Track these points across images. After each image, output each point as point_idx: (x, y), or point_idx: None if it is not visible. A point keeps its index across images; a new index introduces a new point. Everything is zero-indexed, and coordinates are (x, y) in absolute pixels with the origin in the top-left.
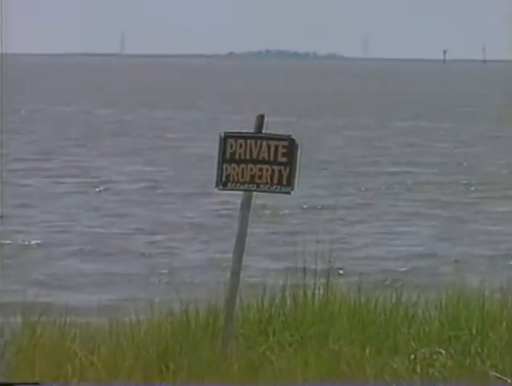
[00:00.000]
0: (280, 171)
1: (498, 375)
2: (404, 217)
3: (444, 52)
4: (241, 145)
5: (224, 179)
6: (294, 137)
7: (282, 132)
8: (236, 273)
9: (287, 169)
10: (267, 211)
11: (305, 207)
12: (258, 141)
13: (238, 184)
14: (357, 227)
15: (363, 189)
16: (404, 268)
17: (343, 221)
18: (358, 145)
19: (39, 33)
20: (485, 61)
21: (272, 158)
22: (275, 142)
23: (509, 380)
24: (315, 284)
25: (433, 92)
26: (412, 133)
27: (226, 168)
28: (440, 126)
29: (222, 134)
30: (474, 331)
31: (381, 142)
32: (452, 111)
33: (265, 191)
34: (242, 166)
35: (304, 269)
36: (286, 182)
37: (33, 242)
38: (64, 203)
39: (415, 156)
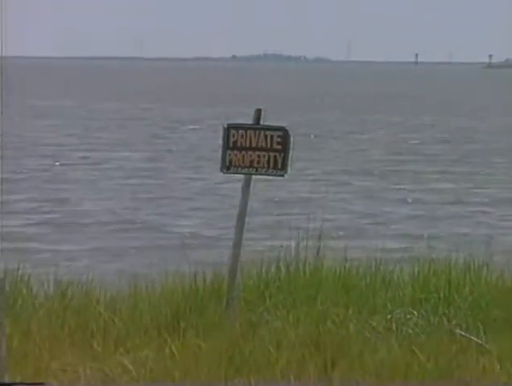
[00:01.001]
0: (275, 157)
1: (462, 333)
2: None
3: (416, 55)
4: (242, 135)
5: (227, 164)
6: (286, 127)
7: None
8: (237, 244)
9: (282, 155)
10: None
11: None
12: (257, 132)
13: (239, 168)
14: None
15: None
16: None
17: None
18: None
19: (54, 37)
20: (416, 63)
21: (269, 145)
22: (271, 132)
23: (473, 338)
24: (306, 255)
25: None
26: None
27: (229, 154)
28: None
29: (225, 125)
30: (441, 295)
31: None
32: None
33: (262, 174)
34: (243, 152)
35: (298, 244)
36: (280, 167)
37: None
38: None
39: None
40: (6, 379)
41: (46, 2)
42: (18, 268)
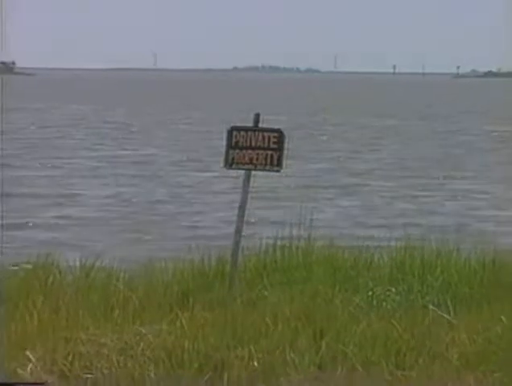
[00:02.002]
0: (272, 155)
1: (434, 308)
2: None
3: (394, 66)
4: (243, 136)
5: (230, 161)
6: (282, 129)
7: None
8: (239, 231)
9: (277, 153)
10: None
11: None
12: (256, 133)
13: (240, 165)
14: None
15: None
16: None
17: None
18: None
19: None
20: (394, 73)
21: (266, 145)
22: (268, 133)
23: (444, 314)
24: (299, 240)
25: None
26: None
27: (231, 153)
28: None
29: (229, 128)
30: (416, 275)
31: None
32: None
33: (260, 170)
34: (243, 151)
35: (291, 230)
36: (276, 164)
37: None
38: None
39: None
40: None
41: (53, 13)
42: (49, 254)
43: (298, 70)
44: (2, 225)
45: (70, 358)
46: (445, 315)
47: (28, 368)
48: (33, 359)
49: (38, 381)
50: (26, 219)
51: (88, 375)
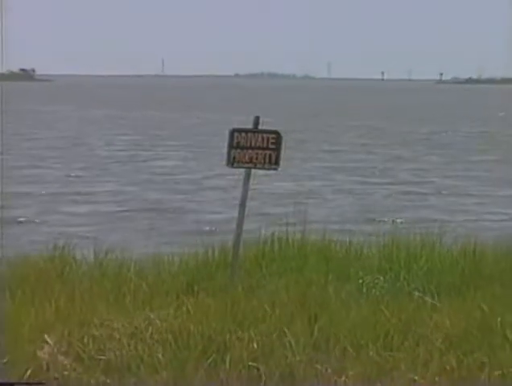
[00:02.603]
0: (270, 155)
1: (420, 295)
2: None
3: (382, 73)
4: (243, 137)
5: (231, 160)
6: (279, 131)
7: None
8: (240, 224)
9: (275, 153)
10: None
11: None
12: (255, 134)
13: (241, 163)
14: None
15: None
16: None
17: None
18: None
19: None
20: (383, 80)
21: (265, 145)
22: (267, 135)
23: (428, 300)
24: (294, 232)
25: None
26: None
27: (233, 152)
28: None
29: (231, 129)
30: (402, 264)
31: None
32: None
33: (259, 168)
34: (244, 151)
35: (287, 222)
36: (274, 162)
37: None
38: None
39: None
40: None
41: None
42: (66, 244)
43: (294, 76)
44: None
45: (84, 341)
46: (429, 299)
47: (45, 350)
48: (50, 342)
49: (38, 381)
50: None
51: (102, 357)
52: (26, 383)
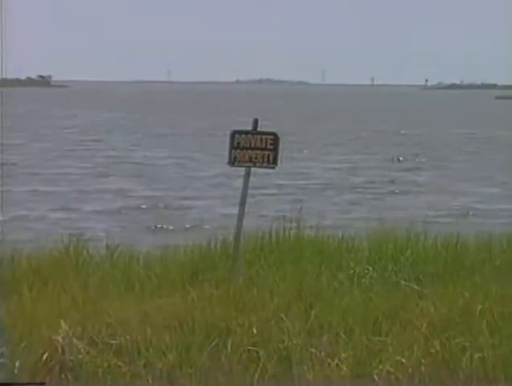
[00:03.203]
0: (268, 155)
1: (406, 284)
2: None
3: (372, 79)
4: (243, 138)
5: (233, 160)
6: (276, 133)
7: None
8: (241, 219)
9: (273, 153)
10: None
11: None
12: (254, 136)
13: (241, 162)
14: None
15: None
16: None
17: None
18: None
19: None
20: (372, 85)
21: (263, 146)
22: (265, 136)
23: (415, 286)
24: (290, 226)
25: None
26: None
27: (234, 153)
28: None
29: (231, 131)
30: (390, 255)
31: None
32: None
33: (259, 167)
34: (244, 151)
35: (284, 217)
36: (272, 162)
37: None
38: None
39: None
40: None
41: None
42: (79, 238)
43: (291, 82)
44: None
45: (97, 326)
46: (415, 287)
47: (61, 335)
48: (66, 327)
49: (38, 381)
50: None
51: (113, 341)
52: (26, 384)
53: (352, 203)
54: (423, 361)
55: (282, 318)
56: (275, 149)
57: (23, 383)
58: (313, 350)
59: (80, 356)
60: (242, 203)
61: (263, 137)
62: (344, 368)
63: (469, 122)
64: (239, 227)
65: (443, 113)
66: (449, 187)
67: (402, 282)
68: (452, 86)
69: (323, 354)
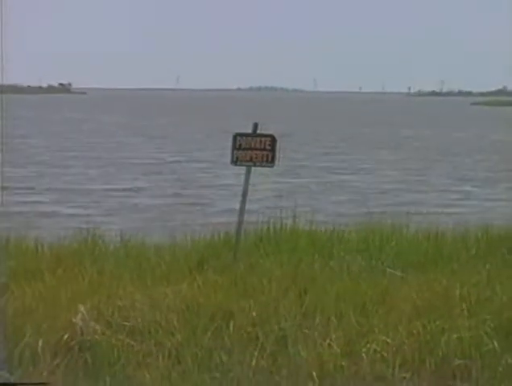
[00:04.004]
0: (267, 155)
1: (391, 271)
2: None
3: (360, 88)
4: (244, 140)
5: (235, 159)
6: (274, 135)
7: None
8: (242, 213)
9: (271, 153)
10: None
11: None
12: (254, 138)
13: (243, 162)
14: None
15: None
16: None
17: None
18: None
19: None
20: (360, 92)
21: (262, 146)
22: (264, 138)
23: (398, 274)
24: (286, 219)
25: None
26: None
27: (236, 153)
28: None
29: (234, 134)
30: (377, 246)
31: None
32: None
33: (258, 166)
34: (245, 151)
35: (280, 211)
36: (270, 161)
37: None
38: None
39: None
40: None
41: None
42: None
43: (287, 90)
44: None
45: (112, 309)
46: (399, 274)
47: (79, 318)
48: (83, 311)
49: (39, 381)
50: None
51: (126, 323)
52: (27, 384)
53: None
54: (406, 341)
55: (279, 303)
56: (273, 150)
57: (25, 383)
58: (307, 331)
59: (96, 337)
60: (243, 198)
61: (262, 139)
62: (335, 348)
63: (421, 124)
64: (240, 220)
65: (405, 117)
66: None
67: (388, 270)
68: (432, 93)
69: (316, 334)
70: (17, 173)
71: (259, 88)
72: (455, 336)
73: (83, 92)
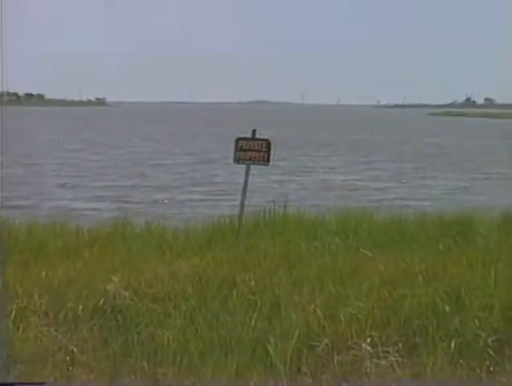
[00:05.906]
0: (264, 155)
1: (363, 251)
2: None
3: (338, 100)
4: (245, 143)
5: (237, 158)
6: (269, 139)
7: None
8: (242, 203)
9: (267, 154)
10: None
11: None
12: (253, 141)
13: (244, 161)
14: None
15: None
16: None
17: None
18: None
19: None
20: (338, 104)
21: (259, 148)
22: (261, 141)
23: (368, 253)
24: (278, 207)
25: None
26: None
27: (238, 153)
28: None
29: (236, 138)
30: (351, 229)
31: None
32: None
33: (256, 164)
34: (246, 152)
35: (274, 201)
36: (266, 160)
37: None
38: None
39: None
40: (6, 379)
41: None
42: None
43: (278, 103)
44: None
45: (138, 280)
46: (369, 254)
47: (112, 287)
48: (116, 281)
49: (38, 381)
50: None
51: (150, 291)
52: (27, 384)
53: None
54: (375, 305)
55: (273, 275)
56: (268, 151)
57: (24, 383)
58: (296, 298)
59: (126, 302)
60: (244, 190)
61: (259, 142)
62: (319, 311)
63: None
64: (241, 210)
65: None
66: None
67: (360, 249)
68: (397, 105)
69: (303, 301)
70: None
71: (257, 102)
72: (415, 301)
73: (116, 105)
